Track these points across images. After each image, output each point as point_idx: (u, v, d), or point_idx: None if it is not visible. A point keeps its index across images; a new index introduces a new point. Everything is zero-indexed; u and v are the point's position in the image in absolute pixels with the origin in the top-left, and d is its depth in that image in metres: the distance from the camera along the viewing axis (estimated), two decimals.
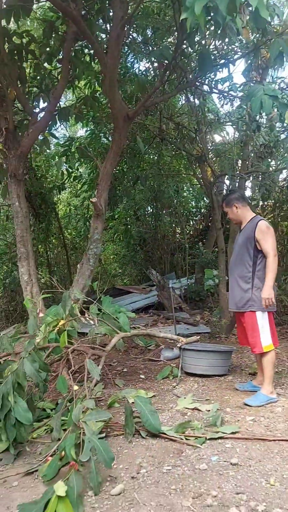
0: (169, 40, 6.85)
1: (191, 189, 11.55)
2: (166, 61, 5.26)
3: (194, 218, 11.59)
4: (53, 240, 10.72)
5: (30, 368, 2.93)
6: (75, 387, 3.27)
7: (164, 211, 11.08)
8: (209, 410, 3.40)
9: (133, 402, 3.32)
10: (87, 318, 4.46)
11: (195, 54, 5.89)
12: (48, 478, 2.41)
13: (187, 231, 11.13)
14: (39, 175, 9.27)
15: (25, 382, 2.94)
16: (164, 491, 2.28)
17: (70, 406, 3.07)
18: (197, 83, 6.07)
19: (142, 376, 4.71)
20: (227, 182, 8.44)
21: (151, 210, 11.42)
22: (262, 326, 3.57)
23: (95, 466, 2.33)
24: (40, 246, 9.97)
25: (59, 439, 2.74)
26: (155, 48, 6.40)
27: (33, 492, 2.37)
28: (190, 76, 6.03)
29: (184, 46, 5.51)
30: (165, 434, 2.97)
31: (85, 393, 3.43)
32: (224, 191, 8.19)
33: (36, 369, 2.96)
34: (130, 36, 6.70)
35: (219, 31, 4.23)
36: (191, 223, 11.73)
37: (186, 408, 3.53)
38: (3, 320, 8.96)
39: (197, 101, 7.22)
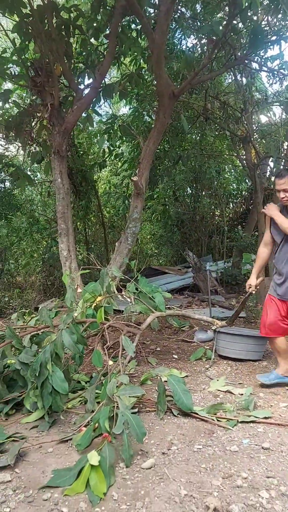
0: (218, 15, 6.63)
1: (232, 170, 11.31)
2: (215, 37, 5.10)
3: (235, 200, 11.38)
4: (92, 218, 10.83)
5: (68, 340, 3.01)
6: (110, 362, 3.34)
7: (203, 193, 10.93)
8: (242, 394, 3.40)
9: (165, 381, 3.36)
10: (124, 296, 4.51)
11: (245, 30, 5.68)
12: (81, 448, 2.49)
13: (227, 214, 10.96)
14: (81, 152, 9.32)
15: (62, 353, 3.03)
16: (194, 469, 2.32)
17: (104, 380, 3.15)
18: (246, 60, 5.86)
19: (175, 356, 4.75)
20: (271, 164, 8.20)
21: (190, 191, 11.29)
22: None
23: (127, 440, 2.39)
24: (79, 223, 10.10)
25: (93, 411, 2.82)
26: (203, 24, 6.20)
27: (67, 459, 2.46)
28: (239, 53, 5.83)
29: (235, 22, 5.32)
30: (196, 414, 3.00)
31: (119, 368, 3.50)
32: (268, 174, 7.97)
33: (74, 341, 3.03)
34: (179, 11, 6.52)
35: (272, 6, 4.04)
36: (231, 205, 11.53)
37: (219, 390, 3.54)
38: (41, 294, 9.21)
39: (244, 80, 7.00)
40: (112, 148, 8.40)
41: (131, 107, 8.43)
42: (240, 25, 5.81)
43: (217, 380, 3.74)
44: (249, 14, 4.77)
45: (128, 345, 3.28)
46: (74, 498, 2.06)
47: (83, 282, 5.49)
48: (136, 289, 4.41)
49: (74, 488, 2.13)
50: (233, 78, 7.64)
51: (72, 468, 2.27)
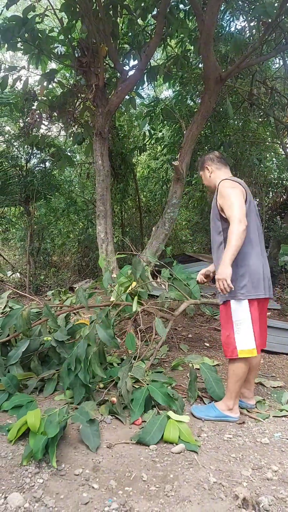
0: None
1: (274, 159, 10.98)
2: (265, 19, 4.90)
3: (275, 190, 11.07)
4: (129, 202, 10.83)
5: (103, 334, 3.02)
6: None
7: (243, 180, 10.69)
8: (274, 387, 3.36)
9: (197, 368, 3.37)
10: (158, 282, 4.51)
11: None
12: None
13: (266, 203, 10.70)
14: (122, 135, 9.28)
15: (94, 345, 3.04)
16: (224, 458, 2.32)
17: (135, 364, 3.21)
18: None
19: (207, 344, 4.73)
20: None
21: None
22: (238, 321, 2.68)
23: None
24: (115, 206, 10.13)
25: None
26: (253, 6, 5.98)
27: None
28: None
29: None
30: None
31: (151, 352, 3.53)
32: None
33: (111, 336, 3.04)
34: None
35: None
36: (271, 194, 11.23)
37: None
38: (75, 274, 9.36)
39: None
40: (153, 132, 8.32)
41: (174, 90, 8.28)
42: None
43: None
44: None
45: (161, 328, 3.29)
46: (105, 476, 2.10)
47: (118, 266, 5.52)
48: (171, 275, 4.40)
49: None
50: (282, 62, 7.36)
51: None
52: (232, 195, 2.67)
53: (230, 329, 2.70)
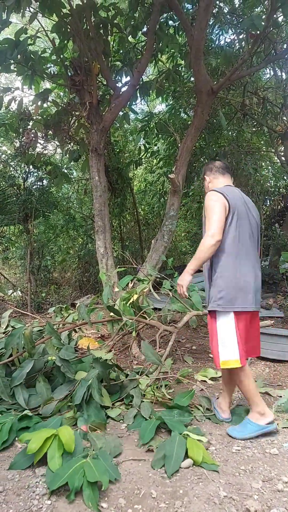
0: (257, 10, 6.49)
1: (270, 167, 11.06)
2: (256, 32, 4.99)
3: (272, 198, 11.12)
4: (127, 215, 10.86)
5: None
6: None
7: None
8: (281, 396, 3.33)
9: (203, 380, 3.35)
10: (160, 294, 4.51)
11: (286, 24, 5.54)
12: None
13: (264, 211, 10.74)
14: (117, 150, 9.36)
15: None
16: (233, 471, 2.29)
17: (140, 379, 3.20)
18: (286, 55, 5.72)
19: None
20: None
21: None
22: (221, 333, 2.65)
23: None
24: (114, 220, 10.15)
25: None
26: (241, 20, 6.10)
27: None
28: (279, 48, 5.69)
29: (275, 15, 5.20)
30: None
31: (154, 367, 3.52)
32: None
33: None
34: (217, 6, 6.44)
35: None
36: (268, 203, 11.28)
37: None
38: (77, 290, 9.34)
39: (284, 75, 6.84)
40: (148, 146, 8.39)
41: (168, 104, 8.38)
42: (280, 19, 5.69)
43: (255, 381, 3.67)
44: None
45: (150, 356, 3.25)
46: (113, 494, 2.08)
47: (119, 280, 5.52)
48: (172, 286, 4.40)
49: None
50: (273, 73, 7.47)
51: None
52: (214, 208, 2.65)
53: (214, 340, 2.67)
